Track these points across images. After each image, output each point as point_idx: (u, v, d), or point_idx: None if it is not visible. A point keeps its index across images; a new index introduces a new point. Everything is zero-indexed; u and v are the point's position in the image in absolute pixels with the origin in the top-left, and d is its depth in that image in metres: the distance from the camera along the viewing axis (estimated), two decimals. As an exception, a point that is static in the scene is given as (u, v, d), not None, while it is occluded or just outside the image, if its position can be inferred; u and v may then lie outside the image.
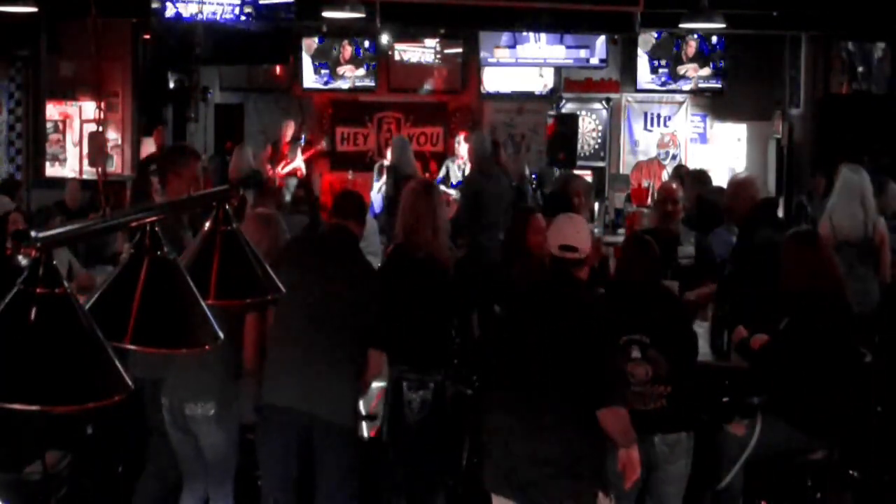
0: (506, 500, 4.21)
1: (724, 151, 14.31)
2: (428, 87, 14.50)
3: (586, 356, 4.13)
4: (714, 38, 13.71)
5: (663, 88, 14.13)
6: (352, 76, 14.35)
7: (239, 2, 10.69)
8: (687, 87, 14.01)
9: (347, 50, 14.23)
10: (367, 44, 14.28)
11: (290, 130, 13.02)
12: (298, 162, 12.88)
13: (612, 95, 14.36)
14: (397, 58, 14.50)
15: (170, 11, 10.25)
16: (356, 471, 4.95)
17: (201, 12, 10.46)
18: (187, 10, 10.33)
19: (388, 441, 5.27)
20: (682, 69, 13.88)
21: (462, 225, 8.68)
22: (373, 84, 14.39)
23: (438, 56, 14.54)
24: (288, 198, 9.69)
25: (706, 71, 13.88)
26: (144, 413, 5.11)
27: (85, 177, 12.00)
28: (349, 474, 4.88)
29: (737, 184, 6.82)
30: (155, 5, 10.14)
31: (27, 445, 5.29)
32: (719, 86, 13.93)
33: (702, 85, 13.99)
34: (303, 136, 13.42)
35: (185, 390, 4.81)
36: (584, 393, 4.11)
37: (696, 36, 13.51)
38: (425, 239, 5.18)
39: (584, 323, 4.22)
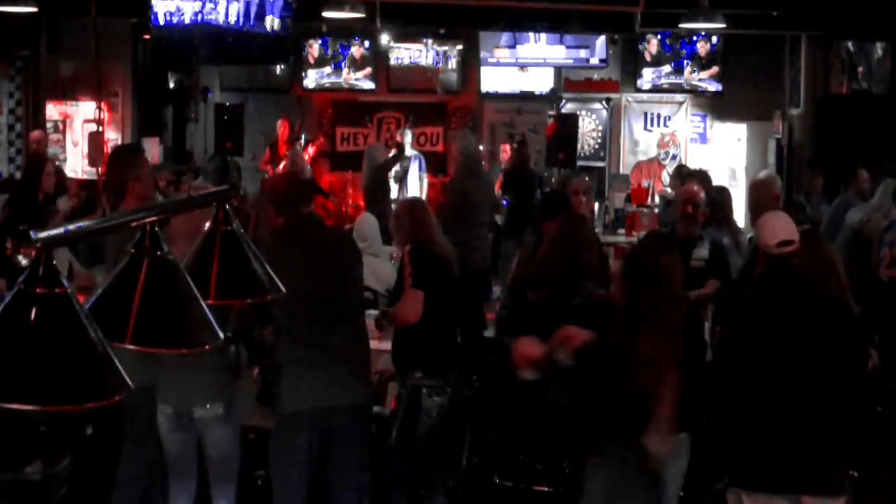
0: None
1: (724, 151, 14.32)
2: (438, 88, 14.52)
3: (850, 355, 4.31)
4: (714, 38, 13.73)
5: (663, 88, 14.16)
6: (350, 76, 14.37)
7: (239, 2, 10.70)
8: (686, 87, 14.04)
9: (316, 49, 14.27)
10: (366, 44, 14.29)
11: (285, 130, 13.02)
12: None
13: (612, 95, 14.37)
14: (395, 57, 14.49)
15: (167, 7, 10.25)
16: (368, 447, 5.00)
17: (201, 11, 10.46)
18: (186, 11, 10.33)
19: (396, 445, 5.27)
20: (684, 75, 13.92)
21: (448, 225, 8.57)
22: (373, 86, 14.42)
23: (438, 56, 14.54)
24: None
25: (704, 73, 13.91)
26: (122, 423, 5.10)
27: (85, 177, 11.99)
28: (365, 452, 4.96)
29: (759, 185, 6.85)
30: (157, 10, 10.14)
31: (27, 445, 5.29)
32: (715, 88, 13.98)
33: (701, 85, 14.03)
34: (302, 137, 13.41)
35: (194, 394, 4.79)
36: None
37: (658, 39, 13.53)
38: (430, 238, 5.23)
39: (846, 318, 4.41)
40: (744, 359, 4.38)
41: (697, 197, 7.02)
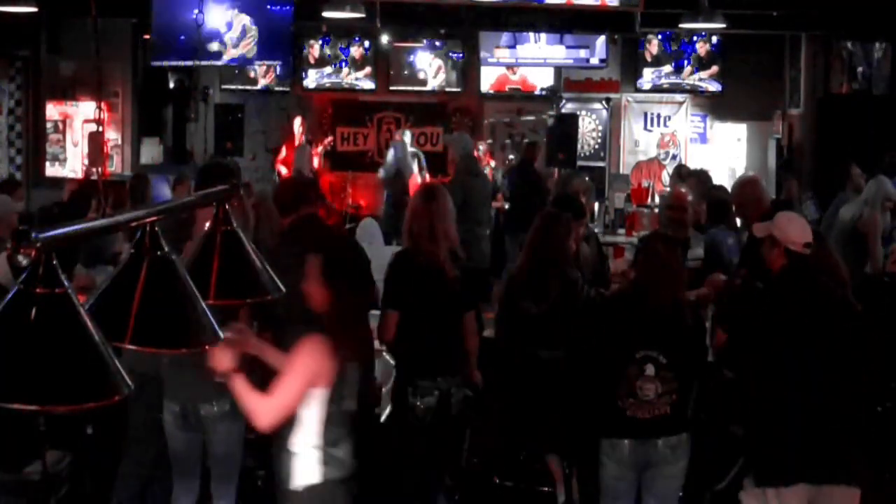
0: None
1: (724, 151, 14.31)
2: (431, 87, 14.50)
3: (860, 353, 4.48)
4: (714, 38, 13.73)
5: (663, 88, 14.16)
6: (350, 76, 14.37)
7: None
8: (686, 86, 14.03)
9: (314, 48, 14.24)
10: (366, 44, 14.29)
11: (302, 127, 13.01)
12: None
13: (612, 95, 14.36)
14: (395, 57, 14.49)
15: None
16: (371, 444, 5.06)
17: (201, 12, 10.46)
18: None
19: (396, 444, 5.29)
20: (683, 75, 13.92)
21: None
22: (373, 86, 14.42)
23: (438, 56, 14.54)
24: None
25: (704, 73, 13.91)
26: (122, 422, 5.11)
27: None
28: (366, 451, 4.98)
29: (742, 184, 6.88)
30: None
31: (27, 445, 5.29)
32: (716, 88, 13.98)
33: (702, 85, 14.03)
34: (303, 136, 13.42)
35: (202, 391, 4.80)
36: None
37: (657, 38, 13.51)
38: (423, 244, 5.21)
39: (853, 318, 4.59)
40: (762, 354, 4.47)
41: (684, 199, 7.07)
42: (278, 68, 13.97)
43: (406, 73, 14.54)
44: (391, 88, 14.55)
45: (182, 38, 10.62)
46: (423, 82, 14.51)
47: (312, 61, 14.41)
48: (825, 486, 4.36)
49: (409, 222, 5.31)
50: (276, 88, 14.46)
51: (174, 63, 10.97)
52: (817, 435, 4.35)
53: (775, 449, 4.41)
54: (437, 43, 14.36)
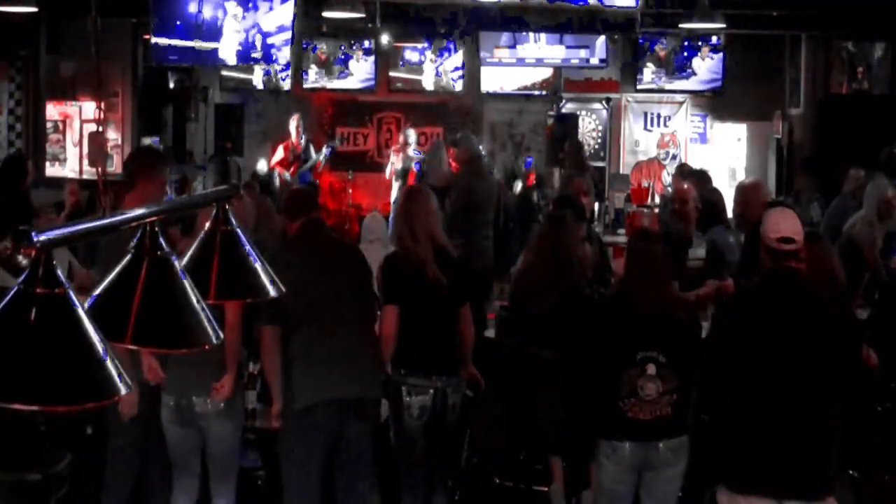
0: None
1: (724, 151, 14.31)
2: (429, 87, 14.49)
3: (845, 350, 4.31)
4: (714, 38, 13.72)
5: (663, 88, 14.15)
6: (351, 76, 14.37)
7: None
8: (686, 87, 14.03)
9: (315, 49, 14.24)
10: (366, 44, 14.28)
11: (299, 127, 12.98)
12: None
13: (612, 95, 14.36)
14: (395, 57, 14.49)
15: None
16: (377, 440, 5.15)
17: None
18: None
19: (395, 445, 5.31)
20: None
21: (456, 226, 8.58)
22: (372, 84, 14.41)
23: (438, 55, 14.53)
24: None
25: (704, 73, 13.90)
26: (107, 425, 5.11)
27: (85, 177, 11.99)
28: (371, 449, 5.07)
29: (746, 189, 6.87)
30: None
31: (27, 445, 5.29)
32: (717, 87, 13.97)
33: (702, 85, 14.02)
34: (303, 137, 13.40)
35: (194, 385, 4.83)
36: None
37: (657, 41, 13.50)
38: (406, 246, 5.26)
39: (841, 318, 4.42)
40: (737, 360, 4.36)
41: (688, 195, 7.08)
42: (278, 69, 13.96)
43: (406, 73, 14.54)
44: (391, 88, 14.55)
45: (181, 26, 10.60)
46: (424, 82, 14.51)
47: (313, 61, 14.40)
48: (787, 500, 4.22)
49: (394, 223, 5.42)
50: (265, 75, 14.38)
51: (174, 41, 10.85)
52: (788, 447, 4.20)
53: (747, 458, 4.27)
54: (437, 43, 14.35)
